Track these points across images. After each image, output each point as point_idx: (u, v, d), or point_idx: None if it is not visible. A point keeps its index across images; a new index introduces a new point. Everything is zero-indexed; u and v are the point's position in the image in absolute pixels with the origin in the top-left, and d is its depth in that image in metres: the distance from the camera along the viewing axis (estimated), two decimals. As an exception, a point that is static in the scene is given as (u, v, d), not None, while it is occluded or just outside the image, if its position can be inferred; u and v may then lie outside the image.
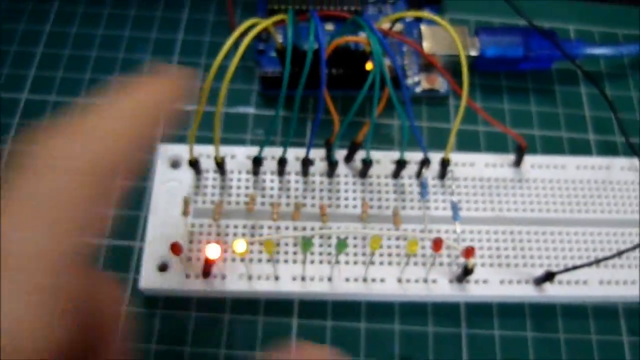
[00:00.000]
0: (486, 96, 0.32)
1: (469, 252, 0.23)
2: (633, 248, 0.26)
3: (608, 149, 0.31)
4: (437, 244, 0.23)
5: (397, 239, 0.27)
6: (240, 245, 0.23)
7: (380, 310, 0.27)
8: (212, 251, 0.23)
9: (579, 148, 0.31)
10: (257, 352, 0.26)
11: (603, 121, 0.32)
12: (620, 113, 0.31)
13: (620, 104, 0.32)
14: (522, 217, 0.28)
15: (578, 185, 0.29)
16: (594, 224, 0.28)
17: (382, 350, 0.26)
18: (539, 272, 0.26)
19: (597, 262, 0.26)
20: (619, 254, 0.26)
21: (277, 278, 0.26)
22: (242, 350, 0.26)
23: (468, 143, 0.31)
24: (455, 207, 0.26)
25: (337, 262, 0.26)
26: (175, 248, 0.23)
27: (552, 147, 0.31)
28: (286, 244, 0.26)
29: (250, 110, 0.31)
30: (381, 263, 0.26)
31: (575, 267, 0.26)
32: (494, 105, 0.32)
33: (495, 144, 0.31)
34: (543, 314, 0.27)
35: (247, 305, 0.26)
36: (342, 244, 0.23)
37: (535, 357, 0.26)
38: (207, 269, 0.24)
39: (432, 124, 0.31)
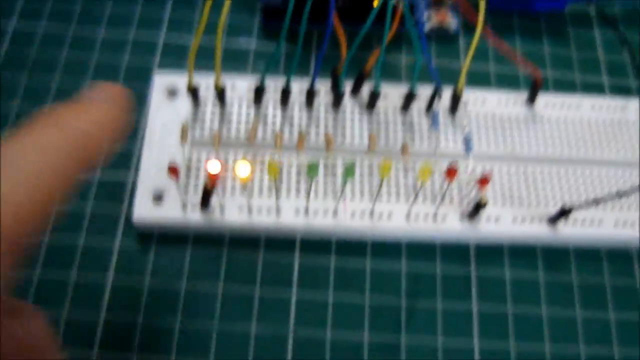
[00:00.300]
0: (498, 34, 0.31)
1: (484, 180, 0.22)
2: (628, 192, 0.25)
3: (622, 92, 0.30)
4: (452, 171, 0.22)
5: (406, 172, 0.25)
6: (243, 168, 0.21)
7: (386, 249, 0.25)
8: (213, 166, 0.21)
9: (593, 91, 0.30)
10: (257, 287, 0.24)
11: (617, 64, 0.31)
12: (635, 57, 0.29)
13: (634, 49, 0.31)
14: (535, 156, 0.27)
15: (593, 125, 0.28)
16: (608, 164, 0.27)
17: (388, 289, 0.25)
18: (552, 211, 0.25)
19: (619, 196, 0.25)
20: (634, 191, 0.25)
21: (278, 211, 0.24)
22: (241, 286, 0.24)
23: (479, 81, 0.29)
24: (468, 140, 0.25)
25: (343, 192, 0.24)
26: (173, 171, 0.21)
27: (566, 89, 0.30)
28: (289, 176, 0.25)
29: (252, 43, 0.29)
30: (389, 198, 0.25)
31: (594, 202, 0.24)
32: (506, 44, 0.31)
33: (507, 83, 0.29)
34: (555, 256, 0.26)
35: (246, 242, 0.25)
36: (350, 170, 0.21)
37: (546, 300, 0.25)
38: (206, 194, 0.23)
39: (441, 61, 0.30)
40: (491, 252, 0.26)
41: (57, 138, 0.14)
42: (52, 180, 0.13)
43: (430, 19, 0.30)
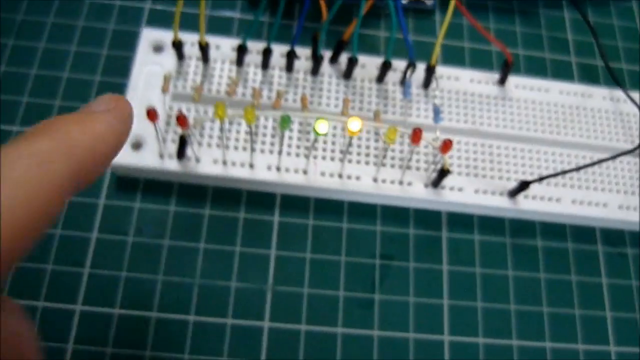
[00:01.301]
0: (472, 14, 0.32)
1: (446, 145, 0.23)
2: (592, 164, 0.26)
3: (589, 73, 0.31)
4: (417, 134, 0.23)
5: (377, 137, 0.26)
6: (220, 108, 0.22)
7: (362, 210, 0.27)
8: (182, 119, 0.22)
9: (562, 70, 0.31)
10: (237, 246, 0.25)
11: (585, 46, 0.32)
12: (601, 39, 0.31)
13: (602, 31, 0.32)
14: (501, 133, 0.28)
15: (560, 109, 0.29)
16: (569, 146, 0.28)
17: (364, 249, 0.26)
18: (514, 185, 0.26)
19: (578, 169, 0.26)
20: (579, 168, 0.26)
21: (252, 166, 0.25)
22: (222, 245, 0.25)
23: (453, 58, 0.31)
24: (437, 111, 0.26)
25: (282, 145, 0.25)
26: (151, 114, 0.22)
27: (536, 67, 0.31)
28: (264, 134, 0.26)
29: (236, 14, 0.30)
30: (358, 161, 0.26)
31: (547, 177, 0.26)
32: (480, 23, 0.32)
33: (480, 61, 0.31)
34: (522, 229, 0.27)
35: (228, 196, 0.26)
36: (285, 119, 0.22)
37: (513, 265, 0.27)
38: (182, 142, 0.24)
39: (417, 37, 0.31)
40: (461, 221, 0.27)
41: (57, 151, 0.13)
42: (49, 193, 0.13)
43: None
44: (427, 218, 0.27)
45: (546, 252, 0.27)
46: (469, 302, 0.26)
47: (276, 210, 0.26)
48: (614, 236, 0.28)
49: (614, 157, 0.26)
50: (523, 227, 0.27)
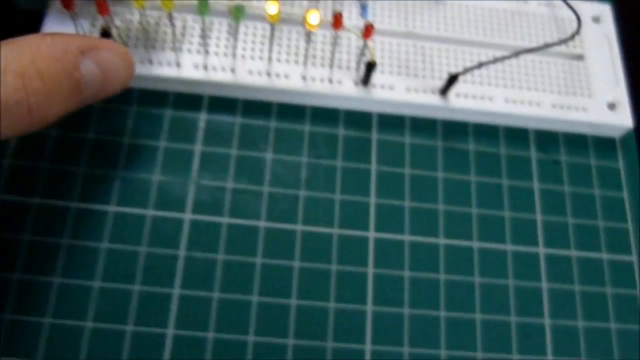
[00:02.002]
0: None
1: (368, 30, 0.23)
2: (533, 50, 0.26)
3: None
4: (337, 18, 0.23)
5: (306, 36, 0.26)
6: None
7: (291, 111, 0.27)
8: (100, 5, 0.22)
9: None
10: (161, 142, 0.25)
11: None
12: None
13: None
14: (434, 35, 0.28)
15: (494, 13, 0.29)
16: (503, 49, 0.28)
17: (291, 150, 0.26)
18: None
19: (496, 61, 0.26)
20: (517, 54, 0.26)
21: (178, 65, 0.25)
22: (147, 141, 0.25)
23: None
24: (364, 6, 0.26)
25: (237, 35, 0.25)
26: (66, 1, 0.22)
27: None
28: (192, 35, 0.26)
29: None
30: (287, 60, 0.26)
31: (471, 68, 0.26)
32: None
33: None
34: (455, 130, 0.27)
35: (154, 97, 0.26)
36: (239, 9, 0.22)
37: (443, 165, 0.26)
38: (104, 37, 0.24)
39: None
40: (392, 122, 0.27)
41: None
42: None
43: None
44: (357, 118, 0.27)
45: (478, 154, 0.27)
46: (396, 201, 0.26)
47: (203, 110, 0.26)
48: (547, 138, 0.28)
49: (535, 50, 0.26)
50: (455, 128, 0.27)
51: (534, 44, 0.28)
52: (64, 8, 0.22)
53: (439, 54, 0.28)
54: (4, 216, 0.23)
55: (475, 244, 0.25)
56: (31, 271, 0.22)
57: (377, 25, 0.27)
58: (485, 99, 0.27)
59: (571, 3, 0.29)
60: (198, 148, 0.25)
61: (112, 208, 0.24)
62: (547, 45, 0.26)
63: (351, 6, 0.28)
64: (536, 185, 0.27)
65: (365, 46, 0.25)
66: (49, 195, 0.23)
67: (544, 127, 0.28)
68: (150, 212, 0.24)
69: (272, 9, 0.22)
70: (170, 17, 0.23)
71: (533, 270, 0.25)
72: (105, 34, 0.24)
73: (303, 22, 0.23)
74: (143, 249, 0.23)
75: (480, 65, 0.26)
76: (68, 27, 0.24)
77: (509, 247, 0.26)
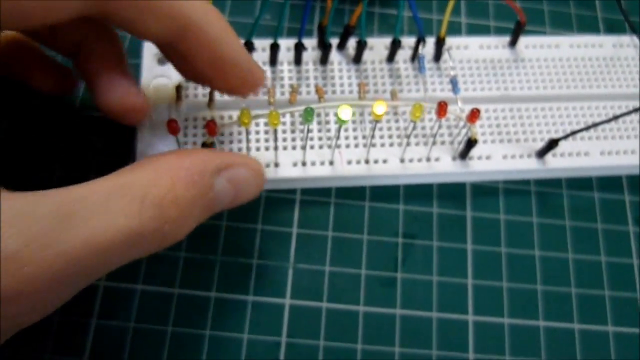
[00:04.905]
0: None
1: (474, 114, 0.23)
2: (628, 113, 0.26)
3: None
4: (442, 107, 0.23)
5: (397, 117, 0.26)
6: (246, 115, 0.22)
7: (384, 192, 0.26)
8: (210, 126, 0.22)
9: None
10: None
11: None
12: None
13: None
14: (520, 95, 0.28)
15: (573, 63, 0.29)
16: (592, 99, 0.28)
17: (387, 229, 0.26)
18: (541, 145, 0.26)
19: (595, 125, 0.26)
20: (615, 118, 0.26)
21: (277, 165, 0.25)
22: (245, 223, 0.25)
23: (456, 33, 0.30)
24: (454, 82, 0.26)
25: (307, 137, 0.25)
26: (172, 126, 0.22)
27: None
28: (284, 132, 0.26)
29: (240, 18, 0.30)
30: (382, 144, 0.26)
31: (574, 132, 0.25)
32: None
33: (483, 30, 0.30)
34: (548, 192, 0.27)
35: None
36: (309, 112, 0.22)
37: (539, 238, 0.26)
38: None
39: (423, 15, 0.31)
40: (486, 192, 0.27)
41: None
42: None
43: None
44: (451, 191, 0.27)
45: (573, 208, 0.27)
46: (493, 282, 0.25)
47: (297, 195, 0.26)
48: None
49: (632, 112, 0.26)
50: (549, 186, 0.27)
51: (624, 88, 0.28)
52: (169, 132, 0.22)
53: (528, 114, 0.27)
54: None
55: (577, 326, 0.25)
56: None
57: (464, 93, 0.27)
58: (582, 154, 0.27)
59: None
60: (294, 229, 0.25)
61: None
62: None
63: (434, 77, 0.27)
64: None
65: (469, 128, 0.24)
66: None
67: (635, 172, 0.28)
68: (250, 298, 0.24)
69: (380, 108, 0.22)
70: (275, 132, 0.23)
71: (634, 350, 0.25)
72: (208, 147, 0.24)
73: (399, 111, 0.23)
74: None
75: (587, 127, 0.25)
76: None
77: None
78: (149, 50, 0.27)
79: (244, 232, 0.25)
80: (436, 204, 0.26)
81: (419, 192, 0.26)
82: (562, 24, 0.31)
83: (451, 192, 0.27)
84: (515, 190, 0.27)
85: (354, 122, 0.26)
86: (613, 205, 0.27)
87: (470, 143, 0.25)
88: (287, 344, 0.23)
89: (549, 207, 0.27)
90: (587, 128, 0.26)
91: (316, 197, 0.26)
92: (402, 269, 0.25)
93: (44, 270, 0.14)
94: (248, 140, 0.25)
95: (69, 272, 0.15)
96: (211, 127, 0.22)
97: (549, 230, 0.26)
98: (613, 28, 0.31)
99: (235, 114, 0.26)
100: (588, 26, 0.31)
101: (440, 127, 0.26)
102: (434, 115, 0.25)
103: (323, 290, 0.24)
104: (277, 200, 0.26)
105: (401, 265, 0.25)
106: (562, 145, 0.26)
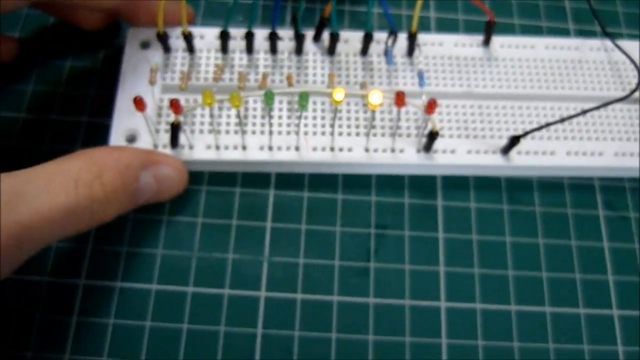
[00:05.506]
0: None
1: (431, 105, 0.24)
2: (597, 107, 0.26)
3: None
4: (400, 97, 0.23)
5: (365, 112, 0.27)
6: (208, 96, 0.23)
7: (357, 182, 0.27)
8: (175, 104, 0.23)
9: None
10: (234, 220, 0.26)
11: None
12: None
13: None
14: (489, 93, 0.28)
15: (547, 64, 0.29)
16: (559, 100, 0.28)
17: (358, 220, 0.26)
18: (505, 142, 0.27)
19: (562, 120, 0.26)
20: (584, 112, 0.26)
21: (244, 147, 0.26)
22: (220, 219, 0.26)
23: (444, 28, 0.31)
24: (421, 75, 0.26)
25: (300, 120, 0.26)
26: (138, 103, 0.23)
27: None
28: (254, 116, 0.27)
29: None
30: (349, 133, 0.26)
31: (535, 129, 0.26)
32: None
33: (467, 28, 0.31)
34: (519, 188, 0.27)
35: (223, 180, 0.27)
36: (269, 95, 0.22)
37: (510, 229, 0.27)
38: (175, 130, 0.24)
39: (394, 10, 0.31)
40: (456, 184, 0.27)
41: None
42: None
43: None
44: (422, 183, 0.27)
45: (544, 214, 0.27)
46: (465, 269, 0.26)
47: (271, 187, 0.27)
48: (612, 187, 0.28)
49: (599, 107, 0.26)
50: (520, 185, 0.27)
51: (589, 91, 0.28)
52: (136, 108, 0.23)
53: (496, 111, 0.28)
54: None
55: (548, 309, 0.25)
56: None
57: (434, 89, 0.28)
58: (547, 154, 0.27)
59: (627, 45, 0.29)
60: (268, 224, 0.26)
61: (190, 289, 0.24)
62: (609, 102, 0.26)
63: (406, 72, 0.28)
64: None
65: (427, 119, 0.25)
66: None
67: (607, 174, 0.28)
68: (226, 292, 0.25)
69: (339, 95, 0.23)
70: (239, 113, 0.24)
71: (608, 333, 0.25)
72: (175, 127, 0.25)
73: (366, 102, 0.24)
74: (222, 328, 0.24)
75: (540, 127, 0.26)
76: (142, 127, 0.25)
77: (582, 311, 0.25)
78: (132, 35, 0.28)
79: (218, 228, 0.26)
80: (407, 195, 0.27)
81: (390, 183, 0.27)
82: (531, 16, 0.32)
83: (422, 183, 0.27)
84: (485, 178, 0.27)
85: (323, 110, 0.27)
86: (582, 189, 0.28)
87: (432, 135, 0.25)
88: (263, 335, 0.24)
89: (518, 195, 0.27)
90: (546, 126, 0.26)
91: (290, 191, 0.27)
92: (374, 259, 0.26)
93: (5, 234, 0.18)
94: (216, 123, 0.26)
95: (22, 239, 0.18)
96: (175, 105, 0.23)
97: (519, 216, 0.27)
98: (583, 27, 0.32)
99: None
100: (555, 17, 0.32)
101: (405, 120, 0.27)
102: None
103: (297, 282, 0.25)
104: (251, 195, 0.26)
105: (374, 255, 0.26)
106: (528, 144, 0.27)
